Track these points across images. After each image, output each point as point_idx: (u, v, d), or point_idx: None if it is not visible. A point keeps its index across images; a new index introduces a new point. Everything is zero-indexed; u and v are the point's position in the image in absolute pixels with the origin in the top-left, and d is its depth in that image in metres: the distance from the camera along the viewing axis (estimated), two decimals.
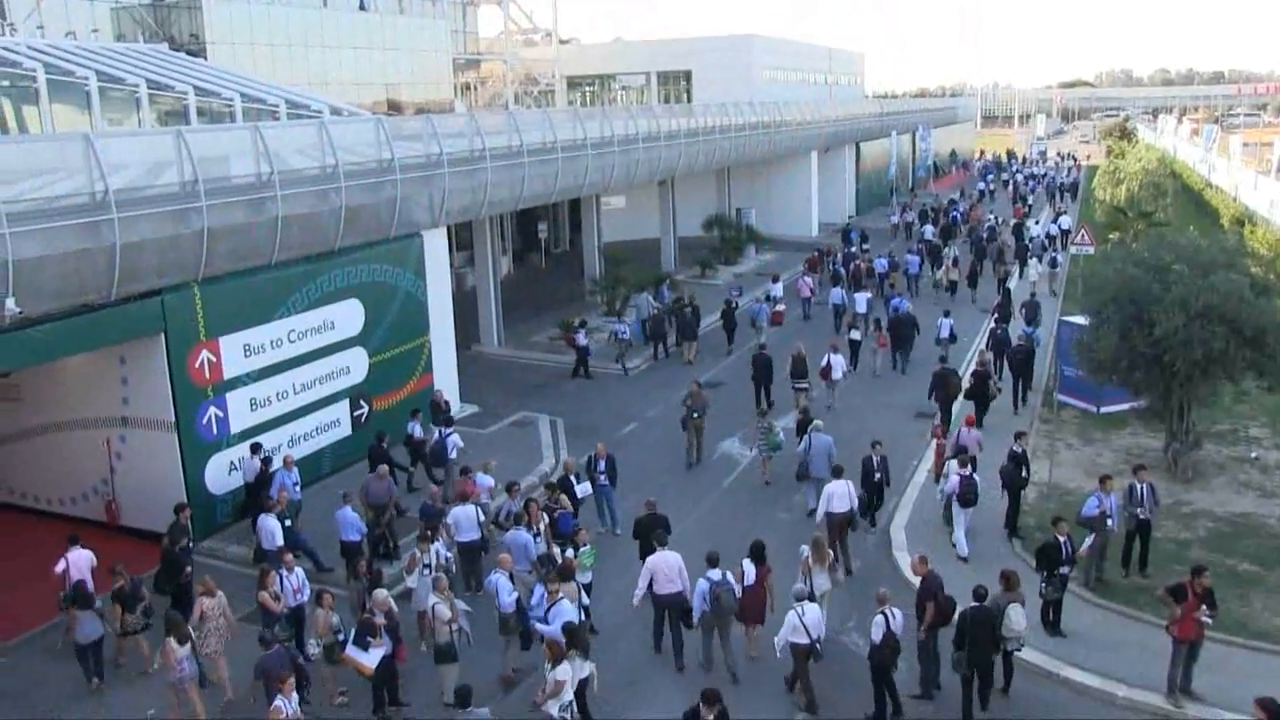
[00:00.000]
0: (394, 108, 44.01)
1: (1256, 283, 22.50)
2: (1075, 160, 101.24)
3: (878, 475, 21.07)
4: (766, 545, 16.53)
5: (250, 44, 37.99)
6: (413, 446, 23.69)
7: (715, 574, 15.77)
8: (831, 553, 17.52)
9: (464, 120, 30.98)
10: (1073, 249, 32.19)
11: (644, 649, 16.97)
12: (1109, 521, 18.12)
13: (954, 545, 19.95)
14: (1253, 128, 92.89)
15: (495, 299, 35.84)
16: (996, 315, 33.75)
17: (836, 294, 38.40)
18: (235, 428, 21.40)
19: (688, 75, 65.92)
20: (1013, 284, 41.78)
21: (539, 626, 14.93)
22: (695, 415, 24.70)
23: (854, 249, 49.00)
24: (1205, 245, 23.37)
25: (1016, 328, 32.53)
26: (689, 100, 63.47)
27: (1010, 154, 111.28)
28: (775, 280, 40.87)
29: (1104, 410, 26.56)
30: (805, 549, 16.75)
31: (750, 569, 16.12)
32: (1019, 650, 15.41)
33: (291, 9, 41.17)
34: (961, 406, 26.56)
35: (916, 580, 15.92)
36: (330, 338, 23.90)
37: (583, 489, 20.00)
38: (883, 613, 14.59)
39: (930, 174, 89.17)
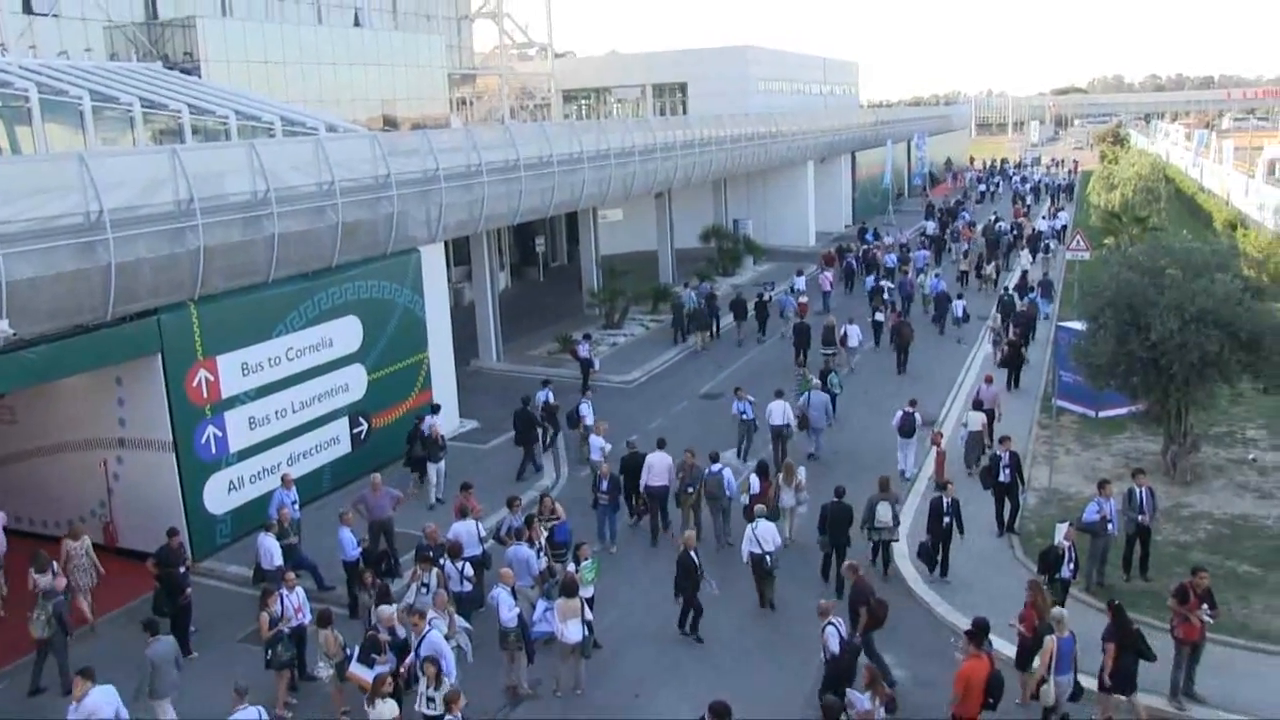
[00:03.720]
0: (390, 123, 43.99)
1: (1250, 285, 22.63)
2: (1075, 163, 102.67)
3: (947, 519, 19.05)
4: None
5: (245, 62, 37.92)
6: (549, 412, 26.60)
7: (715, 467, 20.70)
8: (798, 476, 20.87)
9: (460, 135, 30.95)
10: (1068, 255, 32.33)
11: (648, 663, 16.90)
12: (1109, 526, 18.14)
13: (900, 469, 23.90)
14: (1243, 132, 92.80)
15: (493, 314, 35.77)
16: (1009, 293, 38.54)
17: (870, 281, 43.19)
18: (234, 447, 21.30)
19: (683, 87, 65.96)
20: (1021, 269, 46.07)
21: (356, 670, 14.64)
22: (689, 490, 21.24)
23: (874, 248, 52.52)
24: (1199, 249, 23.42)
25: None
26: (685, 112, 63.57)
27: (1004, 161, 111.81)
28: (799, 274, 44.15)
29: (1102, 415, 26.59)
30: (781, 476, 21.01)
31: (756, 481, 20.14)
32: (894, 541, 19.47)
33: (286, 26, 41.21)
34: (983, 367, 32.76)
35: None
36: (328, 355, 23.81)
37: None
38: (830, 623, 14.73)
39: (926, 182, 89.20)
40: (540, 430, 26.01)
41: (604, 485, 20.82)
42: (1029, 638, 14.79)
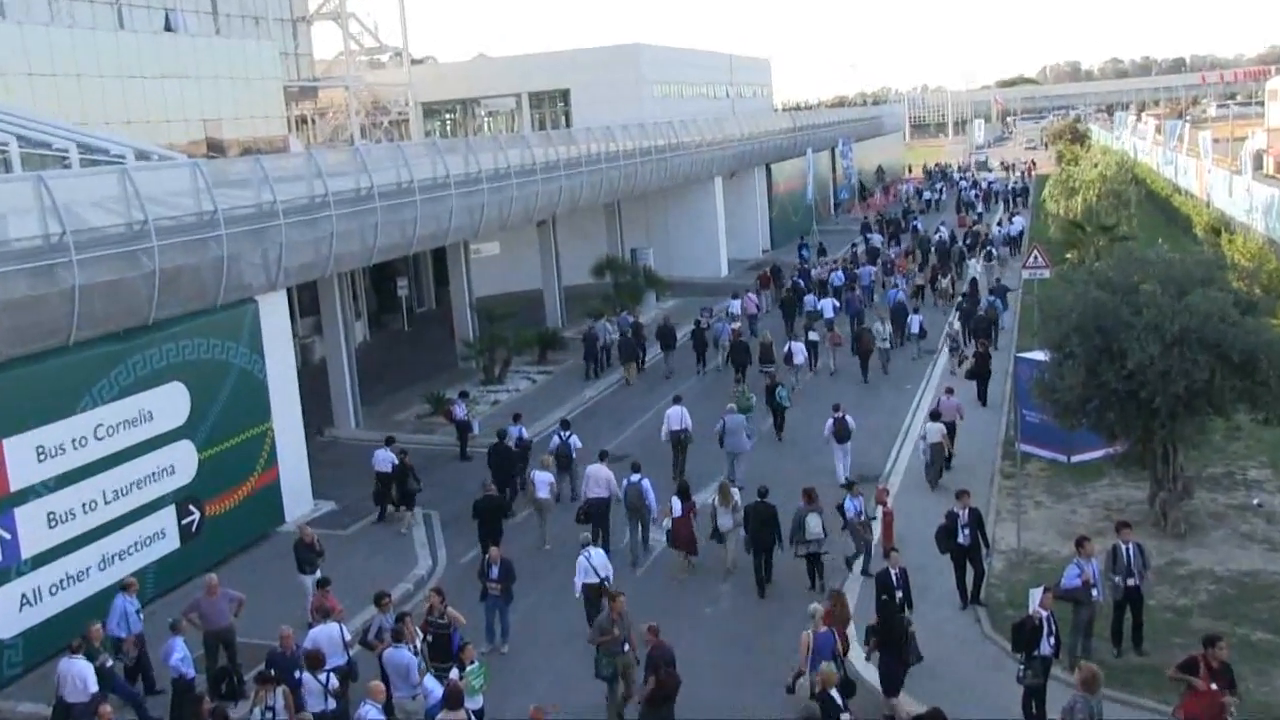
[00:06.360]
0: (215, 148, 43.58)
1: (1240, 299, 23.01)
2: (1032, 163, 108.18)
3: (899, 593, 18.63)
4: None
5: (27, 74, 36.95)
6: (521, 448, 29.18)
7: (635, 477, 24.16)
8: (733, 497, 23.17)
9: (301, 160, 30.83)
10: (1025, 273, 32.98)
11: None
12: (1093, 592, 18.24)
13: (844, 478, 26.16)
14: (1223, 120, 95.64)
15: (350, 372, 35.39)
16: (965, 300, 43.85)
17: (810, 301, 46.77)
18: (28, 551, 20.54)
19: (565, 95, 66.54)
20: (971, 277, 51.06)
21: None
22: (624, 649, 17.90)
23: (810, 265, 57.96)
24: (1178, 260, 23.86)
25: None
26: (568, 124, 63.92)
27: (947, 165, 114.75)
28: (735, 297, 48.13)
29: (1076, 459, 26.95)
30: (714, 496, 23.73)
31: (677, 504, 23.13)
32: (822, 553, 22.03)
33: (79, 31, 40.40)
34: (943, 377, 37.12)
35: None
36: (149, 431, 23.30)
37: None
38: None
39: (855, 195, 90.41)
40: (521, 467, 28.31)
41: (494, 573, 20.45)
42: None
